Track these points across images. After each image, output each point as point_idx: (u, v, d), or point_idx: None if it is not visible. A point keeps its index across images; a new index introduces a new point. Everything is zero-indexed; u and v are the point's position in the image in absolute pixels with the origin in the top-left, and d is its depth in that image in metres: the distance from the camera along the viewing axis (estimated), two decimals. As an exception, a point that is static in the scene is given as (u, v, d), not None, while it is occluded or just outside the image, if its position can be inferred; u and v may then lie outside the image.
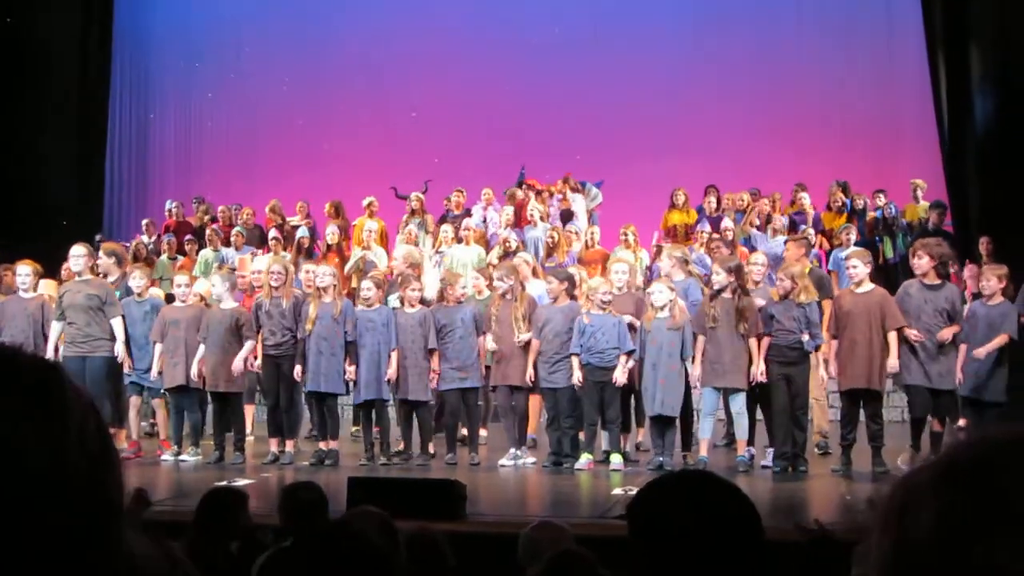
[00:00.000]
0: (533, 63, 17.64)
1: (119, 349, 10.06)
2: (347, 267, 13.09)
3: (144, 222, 16.16)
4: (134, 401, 10.44)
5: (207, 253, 14.47)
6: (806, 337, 9.04)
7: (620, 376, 9.27)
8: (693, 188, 14.96)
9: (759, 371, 9.04)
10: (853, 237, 13.19)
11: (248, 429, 10.69)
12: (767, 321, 9.18)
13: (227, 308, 10.10)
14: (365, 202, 14.36)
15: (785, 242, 11.58)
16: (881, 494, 0.96)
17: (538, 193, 14.80)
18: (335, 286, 9.93)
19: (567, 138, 17.15)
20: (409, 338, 9.73)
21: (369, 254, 13.25)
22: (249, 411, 10.94)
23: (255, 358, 9.94)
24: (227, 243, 14.72)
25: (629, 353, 9.31)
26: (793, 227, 13.87)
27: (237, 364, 9.85)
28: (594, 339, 9.34)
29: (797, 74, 16.96)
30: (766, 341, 9.15)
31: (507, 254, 12.35)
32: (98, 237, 14.88)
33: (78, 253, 10.23)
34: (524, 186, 15.04)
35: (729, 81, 16.92)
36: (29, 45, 16.55)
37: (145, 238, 15.24)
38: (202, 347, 9.95)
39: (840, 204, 14.40)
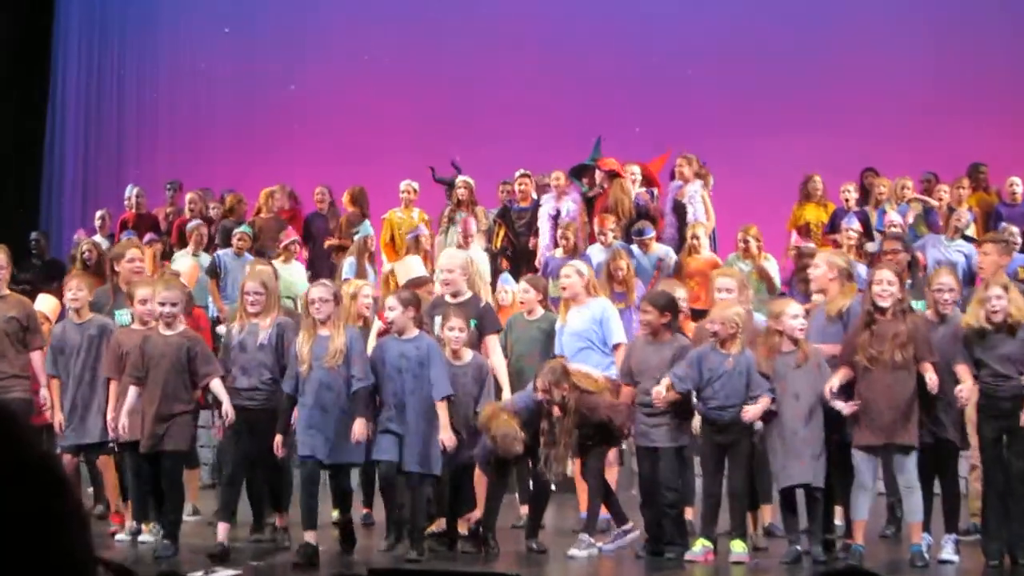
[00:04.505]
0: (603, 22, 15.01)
1: (44, 395, 7.93)
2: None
3: (99, 214, 13.30)
4: (69, 462, 7.95)
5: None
6: None
7: (752, 411, 6.91)
8: (790, 171, 12.30)
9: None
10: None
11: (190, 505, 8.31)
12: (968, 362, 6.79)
13: (170, 334, 7.46)
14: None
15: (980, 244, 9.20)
16: None
17: (611, 178, 11.32)
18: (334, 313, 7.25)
19: (644, 109, 14.44)
20: (458, 384, 7.28)
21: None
22: (193, 478, 8.67)
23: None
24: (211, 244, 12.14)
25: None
26: (987, 223, 11.23)
27: (228, 413, 7.26)
28: (712, 388, 6.97)
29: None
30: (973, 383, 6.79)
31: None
32: (34, 235, 13.20)
33: None
34: (598, 171, 11.58)
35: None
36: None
37: (99, 237, 12.40)
38: (133, 389, 7.37)
39: None
